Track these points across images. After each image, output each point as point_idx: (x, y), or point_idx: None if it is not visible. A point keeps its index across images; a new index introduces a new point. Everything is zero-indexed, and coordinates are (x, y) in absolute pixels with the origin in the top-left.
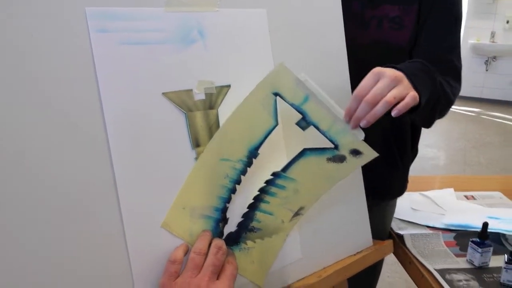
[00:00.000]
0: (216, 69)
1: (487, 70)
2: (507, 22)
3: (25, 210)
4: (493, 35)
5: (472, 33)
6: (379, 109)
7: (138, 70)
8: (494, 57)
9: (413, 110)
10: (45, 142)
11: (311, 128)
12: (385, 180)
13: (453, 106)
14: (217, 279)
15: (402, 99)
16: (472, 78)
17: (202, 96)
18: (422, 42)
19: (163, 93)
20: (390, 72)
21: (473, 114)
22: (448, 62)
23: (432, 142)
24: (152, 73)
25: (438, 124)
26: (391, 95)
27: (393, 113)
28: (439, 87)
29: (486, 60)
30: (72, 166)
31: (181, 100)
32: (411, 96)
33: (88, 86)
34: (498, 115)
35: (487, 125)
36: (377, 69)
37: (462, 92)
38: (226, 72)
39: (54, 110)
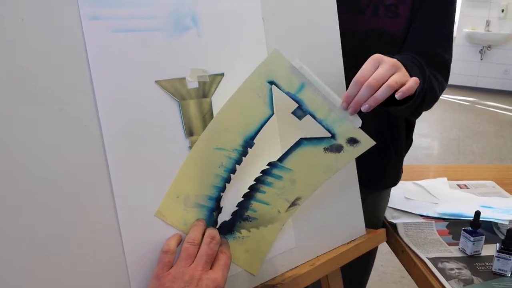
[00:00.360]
0: (210, 57)
1: (481, 59)
2: (502, 10)
3: (16, 200)
4: (488, 23)
5: (467, 22)
6: (382, 93)
7: (130, 58)
8: (489, 46)
9: (405, 101)
10: (36, 131)
11: (307, 117)
12: (379, 170)
13: (447, 95)
14: (211, 268)
15: (402, 84)
16: (467, 67)
17: (196, 85)
18: (414, 33)
19: (156, 81)
20: (389, 59)
21: (467, 103)
22: (437, 56)
23: (426, 131)
24: (145, 61)
25: (432, 113)
26: (393, 80)
27: (398, 95)
28: (427, 81)
29: (481, 49)
30: (64, 156)
31: (174, 89)
32: (415, 80)
33: (80, 74)
34: (492, 104)
35: (481, 114)
36: (377, 56)
37: (457, 81)
38: (220, 60)
39: (46, 99)
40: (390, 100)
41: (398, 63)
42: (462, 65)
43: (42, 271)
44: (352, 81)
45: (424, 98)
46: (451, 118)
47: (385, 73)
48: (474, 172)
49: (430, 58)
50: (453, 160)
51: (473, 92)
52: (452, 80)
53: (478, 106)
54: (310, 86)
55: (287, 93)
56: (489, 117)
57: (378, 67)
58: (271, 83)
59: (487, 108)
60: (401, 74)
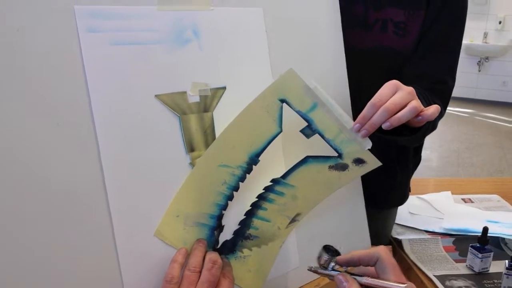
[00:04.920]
0: (211, 70)
1: (479, 71)
2: (500, 22)
3: (13, 221)
4: (485, 35)
5: (464, 34)
6: (406, 114)
7: (129, 72)
8: (487, 58)
9: (412, 131)
10: (33, 148)
11: (315, 135)
12: (384, 190)
13: None
14: None
15: (421, 111)
16: (465, 79)
17: (197, 99)
18: (421, 53)
19: (155, 96)
20: (406, 87)
21: (466, 115)
22: (442, 83)
23: (425, 143)
24: (144, 74)
25: None
26: (415, 103)
27: (417, 119)
28: None
29: (479, 61)
30: (60, 172)
31: (175, 103)
32: (436, 107)
33: (77, 88)
34: (491, 116)
35: (480, 126)
36: (394, 81)
37: (455, 93)
38: (222, 73)
39: (41, 113)
40: (391, 130)
41: (414, 91)
42: (460, 77)
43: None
44: (369, 103)
45: (427, 129)
46: (450, 130)
47: (403, 99)
48: (477, 185)
49: (435, 84)
50: (453, 172)
51: (471, 104)
52: None
53: (477, 117)
54: (323, 107)
55: (298, 112)
56: (488, 129)
57: (395, 92)
58: (283, 101)
59: (486, 120)
60: (419, 102)
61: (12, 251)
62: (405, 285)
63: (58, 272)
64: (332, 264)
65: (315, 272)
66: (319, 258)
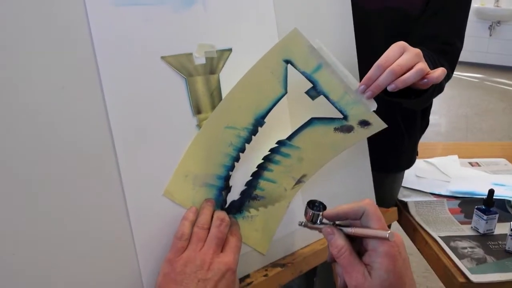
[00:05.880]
0: (217, 32)
1: (491, 35)
2: None
3: (22, 184)
4: None
5: None
6: (412, 76)
7: (135, 33)
8: (498, 22)
9: (418, 94)
10: (39, 112)
11: (320, 97)
12: (392, 154)
13: (455, 72)
14: (222, 251)
15: (427, 74)
16: (476, 43)
17: (203, 61)
18: (430, 15)
19: (161, 57)
20: (413, 48)
21: (476, 80)
22: (450, 44)
23: (434, 108)
24: (149, 35)
25: None
26: (421, 65)
27: (423, 81)
28: None
29: (490, 25)
30: (69, 136)
31: (181, 65)
32: (442, 70)
33: (84, 50)
34: (501, 81)
35: (490, 91)
36: (401, 43)
37: (465, 58)
38: (227, 35)
39: (46, 76)
40: (397, 92)
41: (421, 53)
42: (471, 42)
43: (44, 254)
44: (375, 64)
45: (433, 91)
46: (460, 95)
47: (409, 61)
48: (485, 149)
49: (442, 45)
50: (461, 138)
51: (481, 69)
52: (460, 56)
53: (487, 83)
54: (327, 67)
55: (303, 73)
56: (498, 94)
57: (402, 54)
58: (287, 62)
59: (496, 85)
60: (425, 64)
61: (20, 213)
62: (389, 231)
63: (69, 234)
64: (320, 218)
65: (305, 226)
66: (305, 213)
